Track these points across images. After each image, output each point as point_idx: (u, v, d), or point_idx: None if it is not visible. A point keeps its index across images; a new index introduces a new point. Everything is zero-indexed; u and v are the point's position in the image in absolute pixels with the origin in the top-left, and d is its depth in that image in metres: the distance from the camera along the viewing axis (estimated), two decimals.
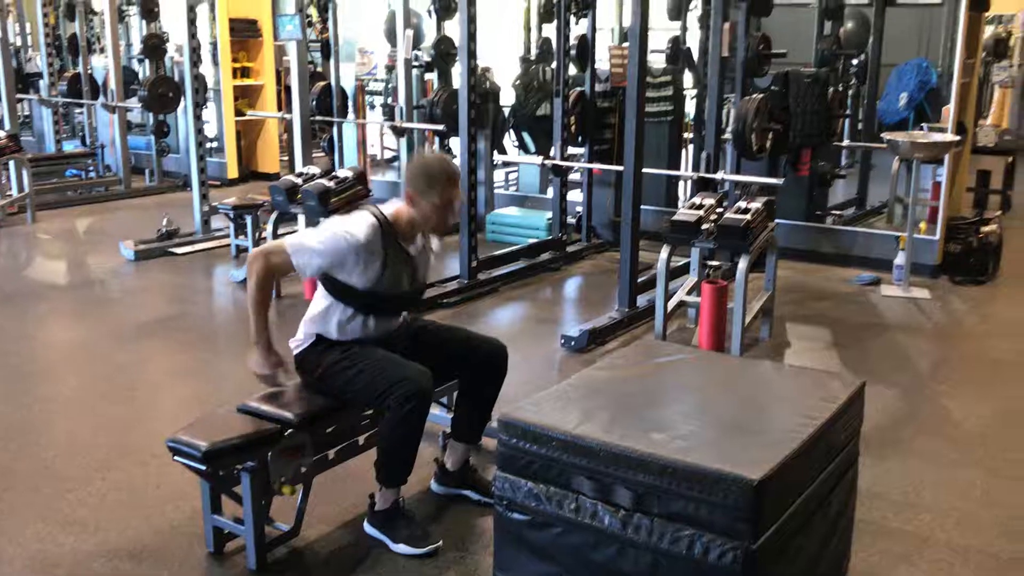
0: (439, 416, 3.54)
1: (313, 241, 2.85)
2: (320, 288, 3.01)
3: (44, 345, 5.06)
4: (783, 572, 2.24)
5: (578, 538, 2.30)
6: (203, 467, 2.64)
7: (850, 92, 8.17)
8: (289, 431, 2.78)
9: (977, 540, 2.98)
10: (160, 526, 3.04)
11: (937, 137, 5.97)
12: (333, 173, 5.67)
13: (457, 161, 5.75)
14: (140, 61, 9.95)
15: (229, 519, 2.84)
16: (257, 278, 2.90)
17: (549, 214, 7.05)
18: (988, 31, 13.58)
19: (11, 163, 8.02)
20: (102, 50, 10.77)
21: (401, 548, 2.88)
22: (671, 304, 4.84)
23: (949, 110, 6.22)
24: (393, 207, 2.98)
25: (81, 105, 10.13)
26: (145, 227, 7.27)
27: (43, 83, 9.96)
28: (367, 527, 2.98)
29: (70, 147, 10.47)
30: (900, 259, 5.94)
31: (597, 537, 2.27)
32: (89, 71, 9.87)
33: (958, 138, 5.99)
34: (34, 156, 9.04)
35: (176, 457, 2.69)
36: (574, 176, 7.31)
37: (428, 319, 3.47)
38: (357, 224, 2.86)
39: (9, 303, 5.67)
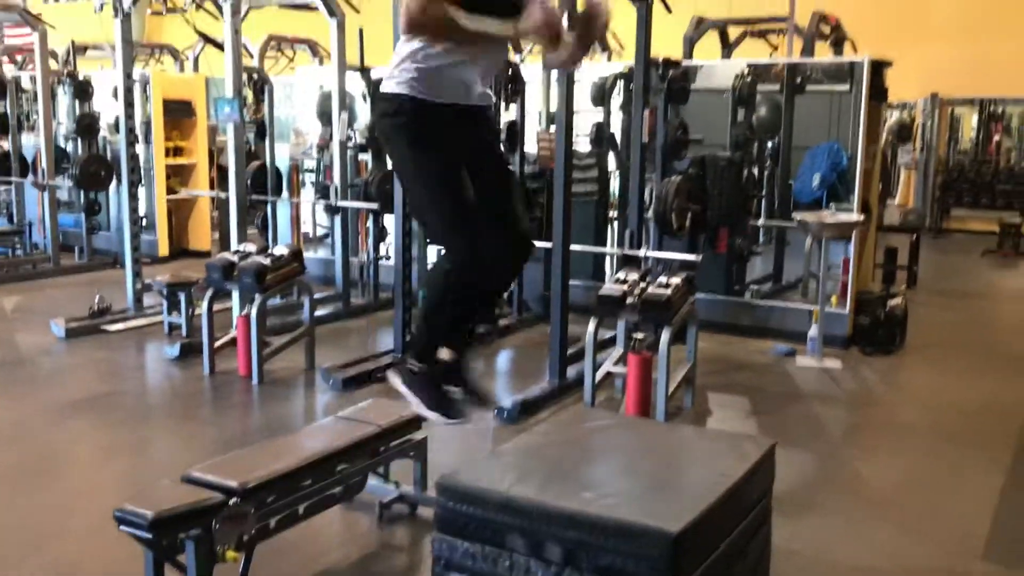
0: (378, 488, 3.65)
1: None
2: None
3: None
4: None
5: None
6: (150, 535, 2.71)
7: (766, 173, 8.62)
8: (233, 499, 2.87)
9: None
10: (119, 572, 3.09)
11: (843, 217, 6.37)
12: (269, 251, 5.79)
13: (394, 239, 5.94)
14: (70, 140, 10.01)
15: None
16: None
17: None
18: (894, 116, 14.50)
19: None
20: (31, 128, 10.78)
21: (431, 415, 2.91)
22: (599, 375, 5.05)
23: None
24: None
25: (9, 183, 10.09)
26: (75, 305, 7.26)
27: None
28: (392, 378, 2.97)
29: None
30: (813, 331, 6.27)
31: None
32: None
33: (862, 217, 6.41)
34: None
35: (122, 527, 2.76)
36: None
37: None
38: None
39: None
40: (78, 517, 3.72)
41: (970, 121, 14.58)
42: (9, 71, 11.23)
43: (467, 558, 2.50)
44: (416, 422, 3.60)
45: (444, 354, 2.91)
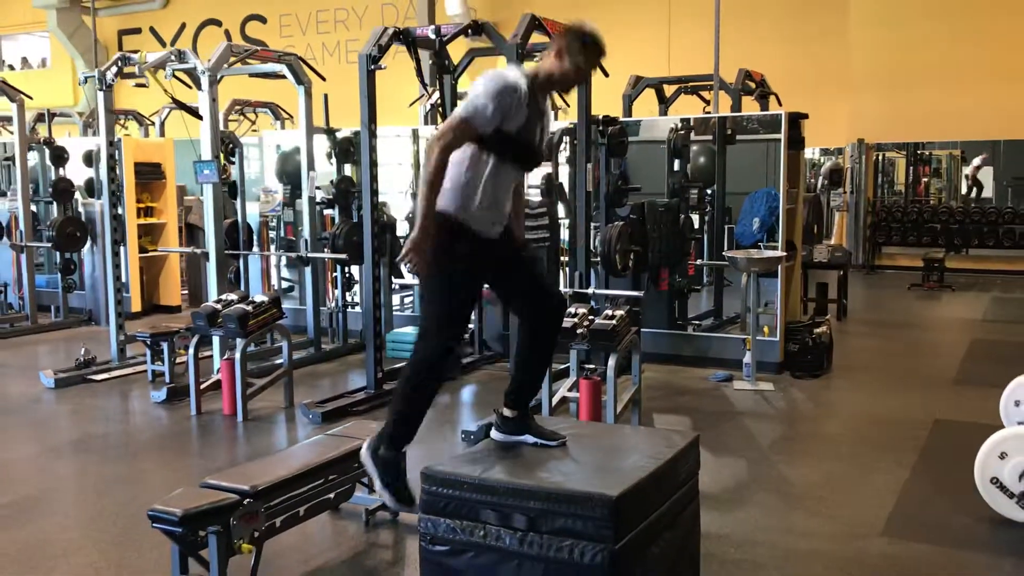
0: (363, 497, 4.17)
1: (480, 97, 3.16)
2: (460, 159, 3.28)
3: None
4: (641, 570, 2.97)
5: (486, 559, 2.99)
6: (178, 530, 3.23)
7: (706, 218, 9.32)
8: (247, 500, 3.39)
9: (795, 564, 3.79)
10: None
11: (768, 253, 7.07)
12: (250, 299, 6.31)
13: (363, 287, 6.48)
14: (45, 203, 10.46)
15: None
16: (438, 159, 3.18)
17: None
18: (827, 163, 15.45)
19: None
20: (3, 193, 11.19)
21: (387, 496, 3.45)
22: (555, 400, 5.64)
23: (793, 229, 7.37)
24: (533, 67, 3.36)
25: None
26: (57, 359, 7.69)
27: None
28: (364, 454, 3.48)
29: None
30: (747, 358, 6.91)
31: (501, 555, 2.96)
32: None
33: (785, 254, 7.11)
34: None
35: (155, 524, 3.27)
36: None
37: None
38: (514, 75, 3.23)
39: None
40: (93, 534, 4.18)
41: (900, 165, 15.60)
42: None
43: (448, 532, 3.05)
44: None
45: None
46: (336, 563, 3.85)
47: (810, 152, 15.78)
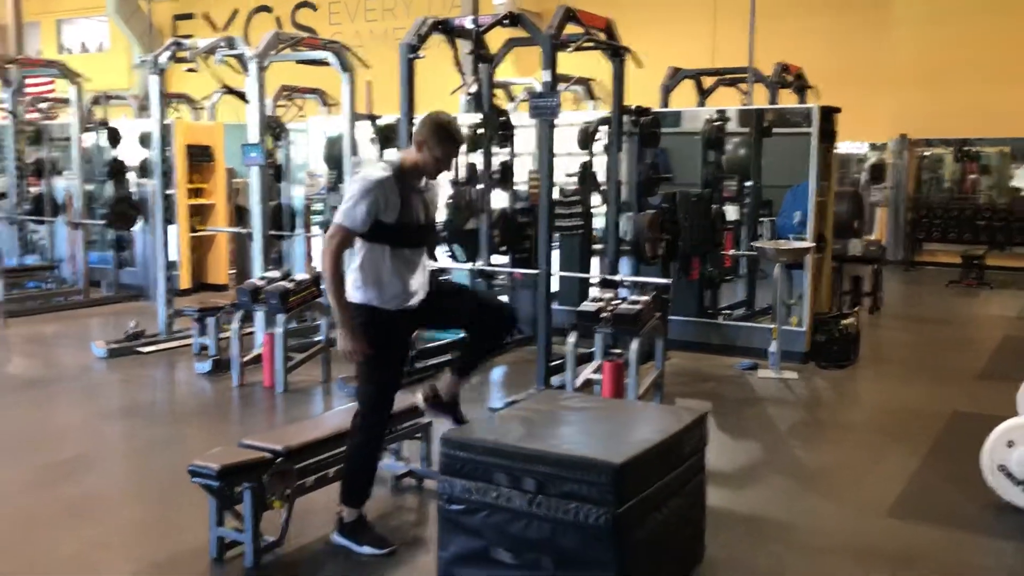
0: (391, 464, 4.42)
1: (349, 201, 3.59)
2: (356, 252, 3.71)
3: (48, 421, 5.81)
4: (642, 535, 3.16)
5: (498, 518, 3.21)
6: (216, 484, 3.49)
7: (745, 210, 9.39)
8: (279, 459, 3.65)
9: (799, 537, 3.96)
10: (176, 534, 3.85)
11: (796, 244, 7.18)
12: (292, 276, 6.59)
13: None
14: (100, 183, 10.87)
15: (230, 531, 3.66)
16: (330, 262, 3.60)
17: None
18: (872, 158, 15.41)
19: None
20: (59, 172, 11.62)
21: (365, 550, 3.72)
22: (579, 381, 5.83)
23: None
24: (401, 155, 3.78)
25: (43, 222, 10.92)
26: (107, 331, 8.05)
27: (4, 203, 10.74)
28: (335, 537, 3.81)
29: (29, 261, 11.19)
30: (773, 347, 7.04)
31: (512, 516, 3.18)
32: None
33: (812, 245, 7.22)
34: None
35: (194, 479, 3.54)
36: (498, 282, 8.36)
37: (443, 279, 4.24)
38: (374, 171, 3.63)
39: (4, 393, 6.41)
40: (148, 485, 4.48)
41: (947, 161, 15.48)
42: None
43: (464, 492, 3.27)
44: (420, 410, 4.39)
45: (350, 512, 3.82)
46: None
47: (857, 147, 15.75)
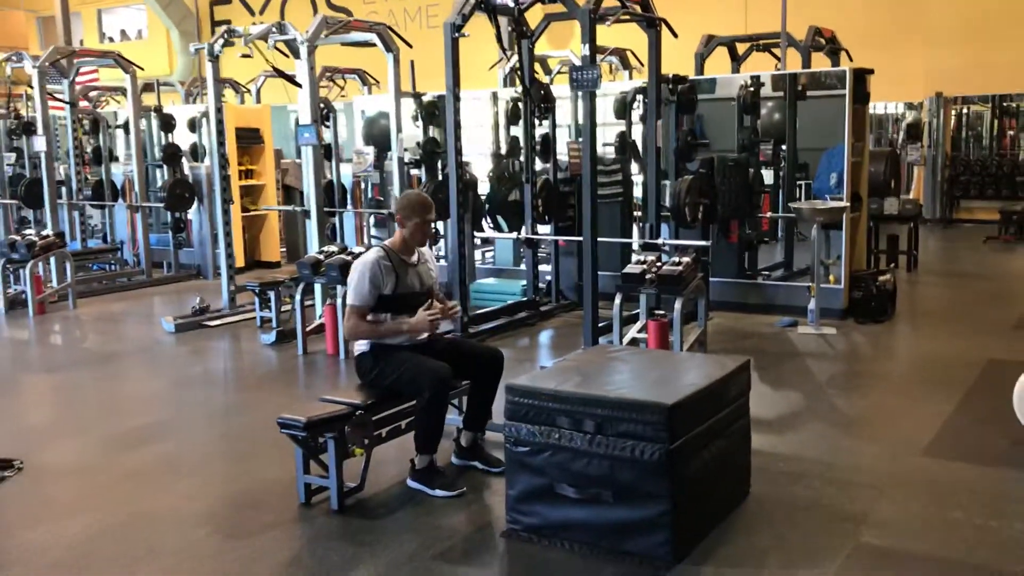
0: (452, 419, 4.76)
1: (353, 284, 4.22)
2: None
3: (131, 390, 6.24)
4: (692, 469, 3.48)
5: (561, 457, 3.53)
6: (303, 434, 3.86)
7: (781, 173, 9.58)
8: (358, 412, 4.00)
9: (837, 474, 4.25)
10: (261, 485, 4.24)
11: (831, 204, 7.40)
12: (349, 250, 6.95)
13: (448, 241, 7.03)
14: (155, 167, 11.31)
15: (315, 477, 4.03)
16: (357, 331, 4.23)
17: (523, 282, 8.38)
18: (910, 116, 15.44)
19: (52, 258, 9.22)
20: (115, 159, 12.09)
21: (438, 492, 4.08)
22: (625, 340, 6.14)
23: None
24: (391, 238, 4.41)
25: (103, 207, 11.40)
26: (171, 308, 8.51)
27: (65, 189, 11.22)
28: (409, 482, 4.17)
29: (91, 244, 11.70)
30: (812, 304, 7.29)
31: (573, 455, 3.51)
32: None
33: (848, 204, 7.43)
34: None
35: (283, 430, 3.91)
36: (542, 250, 8.67)
37: (457, 336, 4.75)
38: (368, 255, 4.27)
39: (86, 366, 6.86)
40: (238, 441, 4.88)
41: (986, 118, 15.46)
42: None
43: (528, 435, 3.60)
44: None
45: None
46: None
47: (893, 107, 15.79)
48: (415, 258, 4.36)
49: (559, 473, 3.55)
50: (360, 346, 4.31)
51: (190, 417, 5.56)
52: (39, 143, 9.61)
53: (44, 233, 9.07)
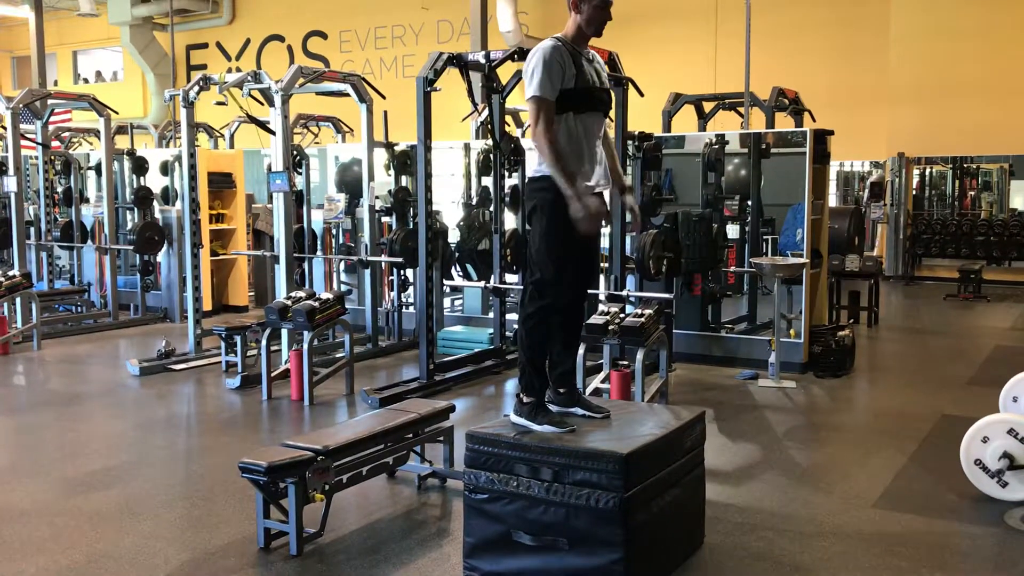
0: (416, 466, 4.81)
1: (536, 75, 3.70)
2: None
3: (93, 432, 6.19)
4: (647, 518, 3.55)
5: (518, 505, 3.60)
6: (264, 479, 3.89)
7: (746, 228, 9.75)
8: (319, 457, 4.05)
9: (791, 524, 4.34)
10: (222, 529, 4.24)
11: (791, 260, 7.58)
12: (316, 296, 7.01)
13: (417, 288, 7.12)
14: (126, 209, 11.34)
15: (275, 522, 4.06)
16: (545, 138, 3.69)
17: (491, 330, 8.46)
18: (874, 175, 15.82)
19: (17, 298, 9.18)
20: (86, 200, 12.09)
21: (546, 428, 3.74)
22: (589, 390, 6.22)
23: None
24: (563, 30, 3.86)
25: (72, 248, 11.37)
26: (137, 351, 8.49)
27: (34, 230, 11.19)
28: (513, 417, 3.86)
29: (59, 285, 11.65)
30: (772, 358, 7.42)
31: (530, 502, 3.57)
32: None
33: (807, 261, 7.62)
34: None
35: (244, 474, 3.94)
36: (510, 299, 8.76)
37: None
38: (544, 43, 3.78)
39: (49, 408, 6.82)
40: (194, 485, 4.88)
41: (946, 178, 15.88)
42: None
43: (487, 482, 3.67)
44: (445, 413, 4.80)
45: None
46: (392, 516, 4.49)
47: (858, 165, 16.18)
48: (587, 54, 3.88)
49: (516, 520, 3.61)
50: (542, 167, 3.77)
51: (152, 460, 5.55)
52: (10, 184, 9.62)
53: (11, 273, 9.05)
